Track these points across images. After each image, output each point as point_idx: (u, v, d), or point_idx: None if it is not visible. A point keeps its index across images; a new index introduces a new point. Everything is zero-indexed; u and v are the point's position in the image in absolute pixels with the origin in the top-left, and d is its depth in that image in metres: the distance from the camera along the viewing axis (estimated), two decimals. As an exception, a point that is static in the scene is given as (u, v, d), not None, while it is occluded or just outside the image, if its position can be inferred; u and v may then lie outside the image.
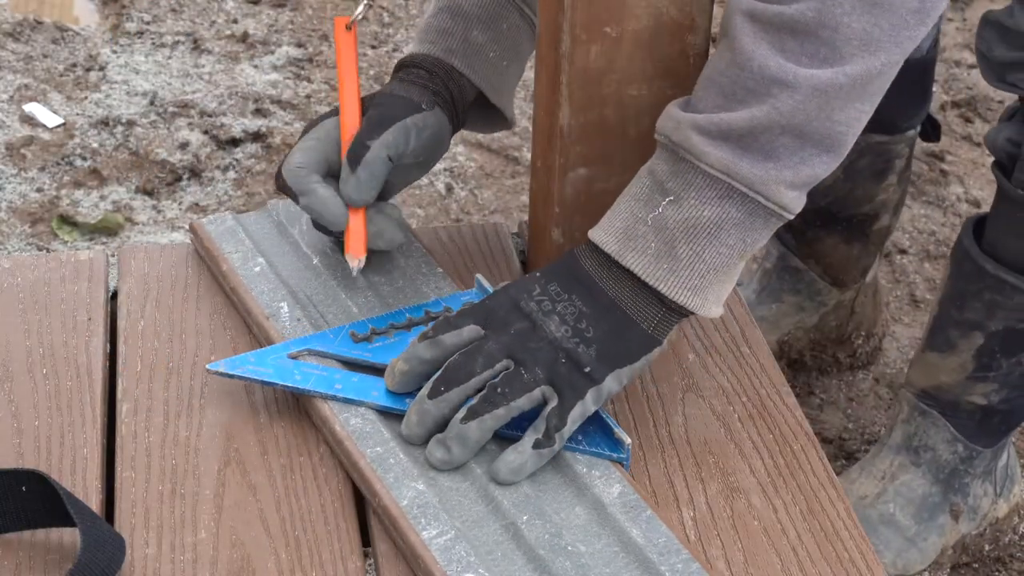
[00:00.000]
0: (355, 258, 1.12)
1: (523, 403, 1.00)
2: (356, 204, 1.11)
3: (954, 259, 1.57)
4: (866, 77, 0.96)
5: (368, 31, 2.73)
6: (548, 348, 1.01)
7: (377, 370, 1.08)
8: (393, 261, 1.19)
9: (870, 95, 0.98)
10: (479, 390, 1.01)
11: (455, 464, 1.01)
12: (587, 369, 1.01)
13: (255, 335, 1.14)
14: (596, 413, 1.05)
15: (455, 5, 1.19)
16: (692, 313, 1.02)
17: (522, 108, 2.52)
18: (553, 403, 1.00)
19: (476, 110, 1.22)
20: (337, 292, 1.15)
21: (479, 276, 1.15)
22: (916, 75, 1.72)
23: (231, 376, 1.07)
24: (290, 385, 1.07)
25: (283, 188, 1.13)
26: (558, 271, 1.04)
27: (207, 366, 1.08)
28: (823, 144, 0.98)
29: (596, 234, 1.03)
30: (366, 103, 1.14)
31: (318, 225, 1.15)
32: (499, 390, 1.00)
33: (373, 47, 2.69)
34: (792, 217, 1.01)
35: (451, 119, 1.17)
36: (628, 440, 1.03)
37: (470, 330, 1.03)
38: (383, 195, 1.16)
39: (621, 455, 1.03)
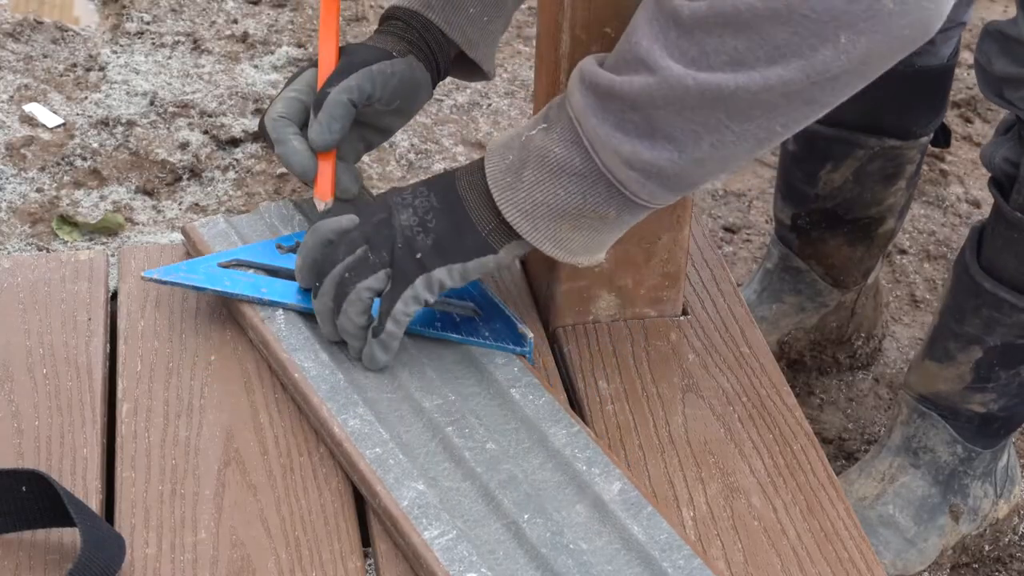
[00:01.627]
0: (322, 200, 1.18)
1: (371, 283, 1.06)
2: (319, 147, 1.16)
3: (955, 271, 1.56)
4: (717, 92, 0.94)
5: (368, 31, 2.73)
6: (392, 235, 1.07)
7: None
8: None
9: (735, 112, 0.95)
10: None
11: (360, 353, 1.09)
12: (418, 255, 1.06)
13: (251, 338, 1.14)
14: (501, 310, 1.12)
15: None
16: (520, 237, 1.05)
17: (522, 108, 2.52)
18: (388, 287, 1.07)
19: (457, 60, 1.25)
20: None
21: None
22: (934, 84, 1.71)
23: (165, 282, 1.14)
24: (219, 290, 1.13)
25: (264, 136, 1.18)
26: (437, 176, 1.10)
27: (143, 273, 1.14)
28: (671, 138, 0.97)
29: (495, 136, 1.06)
30: (341, 54, 1.18)
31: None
32: (347, 275, 1.07)
33: (373, 47, 2.69)
34: (636, 200, 1.01)
35: (430, 67, 1.20)
36: (531, 334, 1.10)
37: (347, 218, 1.09)
38: (369, 142, 1.22)
39: (524, 348, 1.10)
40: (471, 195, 1.06)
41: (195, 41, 2.65)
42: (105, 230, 2.17)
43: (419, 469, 1.01)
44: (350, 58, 1.17)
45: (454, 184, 1.07)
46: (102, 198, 2.23)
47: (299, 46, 2.65)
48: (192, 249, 1.22)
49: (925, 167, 2.42)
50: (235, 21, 2.72)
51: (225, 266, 1.15)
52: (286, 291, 1.13)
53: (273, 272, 1.16)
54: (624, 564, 0.95)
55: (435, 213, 1.07)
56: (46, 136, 2.36)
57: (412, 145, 2.40)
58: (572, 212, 1.02)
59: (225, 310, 1.17)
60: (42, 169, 2.29)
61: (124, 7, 2.73)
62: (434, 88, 1.22)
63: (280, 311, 1.13)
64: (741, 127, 0.96)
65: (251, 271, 1.16)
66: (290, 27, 2.71)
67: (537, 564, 0.94)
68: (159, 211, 2.23)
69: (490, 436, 1.04)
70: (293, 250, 1.17)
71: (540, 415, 1.05)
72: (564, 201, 1.02)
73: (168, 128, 2.39)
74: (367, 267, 1.06)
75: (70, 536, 0.96)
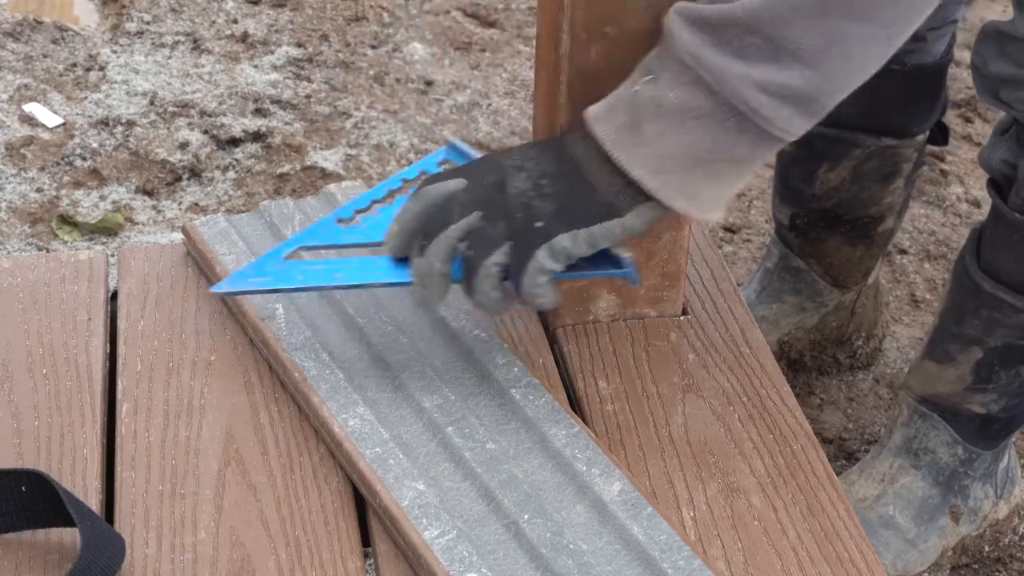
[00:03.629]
0: None
1: (497, 258, 1.02)
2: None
3: (954, 274, 1.56)
4: None
5: (368, 31, 2.72)
6: (508, 201, 1.02)
7: (372, 248, 1.09)
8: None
9: (856, 15, 0.94)
10: (461, 239, 1.03)
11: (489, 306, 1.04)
12: (539, 224, 1.01)
13: (251, 337, 1.14)
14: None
15: None
16: (648, 199, 1.00)
17: (522, 108, 2.52)
18: (510, 260, 1.02)
19: None
20: (331, 292, 1.15)
21: (453, 138, 1.17)
22: (929, 81, 1.71)
23: (237, 294, 1.10)
24: (294, 287, 1.08)
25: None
26: (543, 141, 1.07)
27: (210, 288, 1.10)
28: (798, 55, 0.95)
29: (588, 109, 1.04)
30: None
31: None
32: (466, 244, 1.02)
33: (373, 47, 2.69)
34: (771, 129, 0.97)
35: None
36: (629, 254, 1.05)
37: (455, 182, 1.05)
38: None
39: (626, 270, 1.05)
40: (589, 159, 1.02)
41: (195, 41, 2.65)
42: (105, 230, 2.17)
43: (419, 469, 1.01)
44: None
45: (566, 148, 1.03)
46: (102, 198, 2.23)
47: (299, 46, 2.65)
48: (192, 249, 1.22)
49: (925, 167, 2.42)
50: (235, 21, 2.72)
51: (291, 257, 1.10)
52: (364, 270, 1.08)
53: (344, 250, 1.11)
54: (624, 564, 0.95)
55: (551, 178, 1.02)
56: (46, 136, 2.36)
57: (412, 145, 2.39)
58: (702, 159, 0.99)
59: (225, 310, 1.17)
60: (42, 169, 2.28)
61: (124, 7, 2.73)
62: None
63: (280, 309, 1.13)
64: (867, 29, 0.94)
65: (318, 257, 1.11)
66: (290, 27, 2.71)
67: (537, 564, 0.94)
68: (159, 211, 2.23)
69: (490, 436, 1.04)
70: (353, 221, 1.12)
71: (540, 415, 1.05)
72: (691, 147, 0.98)
73: (168, 128, 2.39)
74: (487, 240, 1.02)
75: (70, 536, 0.96)
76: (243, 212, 1.82)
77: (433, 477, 1.00)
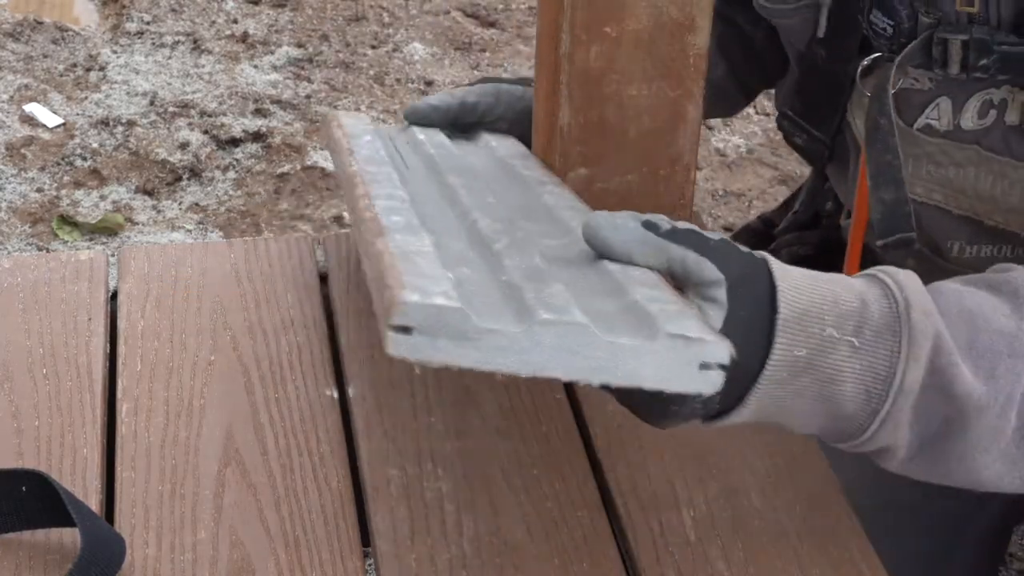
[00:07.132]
0: None
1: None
2: None
3: None
4: None
5: (368, 31, 2.72)
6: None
7: None
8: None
9: None
10: None
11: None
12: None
13: (340, 168, 1.11)
14: None
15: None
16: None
17: (522, 108, 2.52)
18: None
19: None
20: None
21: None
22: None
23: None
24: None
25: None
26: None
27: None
28: None
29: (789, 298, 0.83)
30: None
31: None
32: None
33: (373, 47, 2.69)
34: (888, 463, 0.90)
35: None
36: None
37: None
38: None
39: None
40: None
41: (195, 41, 2.65)
42: (105, 230, 2.17)
43: (420, 219, 0.95)
44: None
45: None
46: (102, 198, 2.23)
47: (299, 46, 2.65)
48: (330, 136, 1.20)
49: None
50: (235, 21, 2.73)
51: None
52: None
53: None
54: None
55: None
56: (46, 136, 2.36)
57: (412, 145, 2.40)
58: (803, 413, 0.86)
59: (225, 310, 1.17)
60: (42, 169, 2.29)
61: (124, 7, 2.73)
62: None
63: (381, 150, 1.12)
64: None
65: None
66: (290, 27, 2.71)
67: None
68: (159, 211, 2.23)
69: (491, 191, 1.04)
70: None
71: (558, 203, 1.04)
72: (800, 414, 0.85)
73: (168, 128, 2.39)
74: None
75: (70, 536, 0.96)
76: (243, 211, 1.82)
77: (426, 216, 0.97)
